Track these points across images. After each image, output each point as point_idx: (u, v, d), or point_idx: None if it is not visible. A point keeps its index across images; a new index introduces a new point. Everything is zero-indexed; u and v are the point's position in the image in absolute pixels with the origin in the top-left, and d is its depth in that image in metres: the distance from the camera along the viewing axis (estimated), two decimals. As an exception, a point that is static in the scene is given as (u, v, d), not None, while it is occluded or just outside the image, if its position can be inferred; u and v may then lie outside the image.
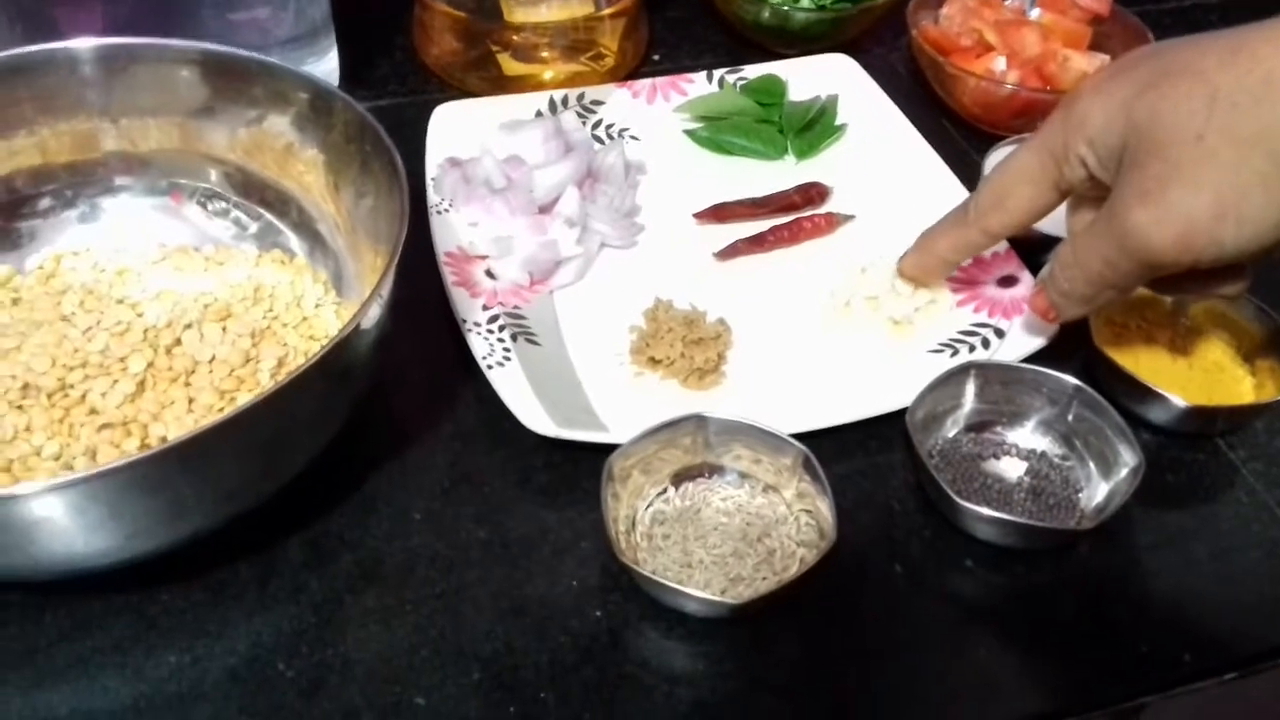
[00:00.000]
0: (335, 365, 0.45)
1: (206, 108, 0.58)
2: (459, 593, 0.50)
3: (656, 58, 0.83)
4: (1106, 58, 0.74)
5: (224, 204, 0.61)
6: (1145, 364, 0.58)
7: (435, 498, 0.54)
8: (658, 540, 0.52)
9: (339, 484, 0.54)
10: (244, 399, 0.51)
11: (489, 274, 0.62)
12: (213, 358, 0.54)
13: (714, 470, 0.54)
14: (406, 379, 0.59)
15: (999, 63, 0.73)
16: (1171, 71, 0.46)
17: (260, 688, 0.46)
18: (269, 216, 0.60)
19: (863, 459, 0.56)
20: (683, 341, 0.58)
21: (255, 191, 0.60)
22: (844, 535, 0.51)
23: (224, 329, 0.55)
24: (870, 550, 0.53)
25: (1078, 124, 0.49)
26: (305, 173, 0.58)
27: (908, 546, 0.53)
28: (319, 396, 0.47)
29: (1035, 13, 0.79)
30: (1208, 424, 0.57)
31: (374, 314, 0.47)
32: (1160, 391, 0.55)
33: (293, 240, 0.60)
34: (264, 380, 0.54)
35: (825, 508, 0.50)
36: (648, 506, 0.53)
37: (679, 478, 0.54)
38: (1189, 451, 0.57)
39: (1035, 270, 0.63)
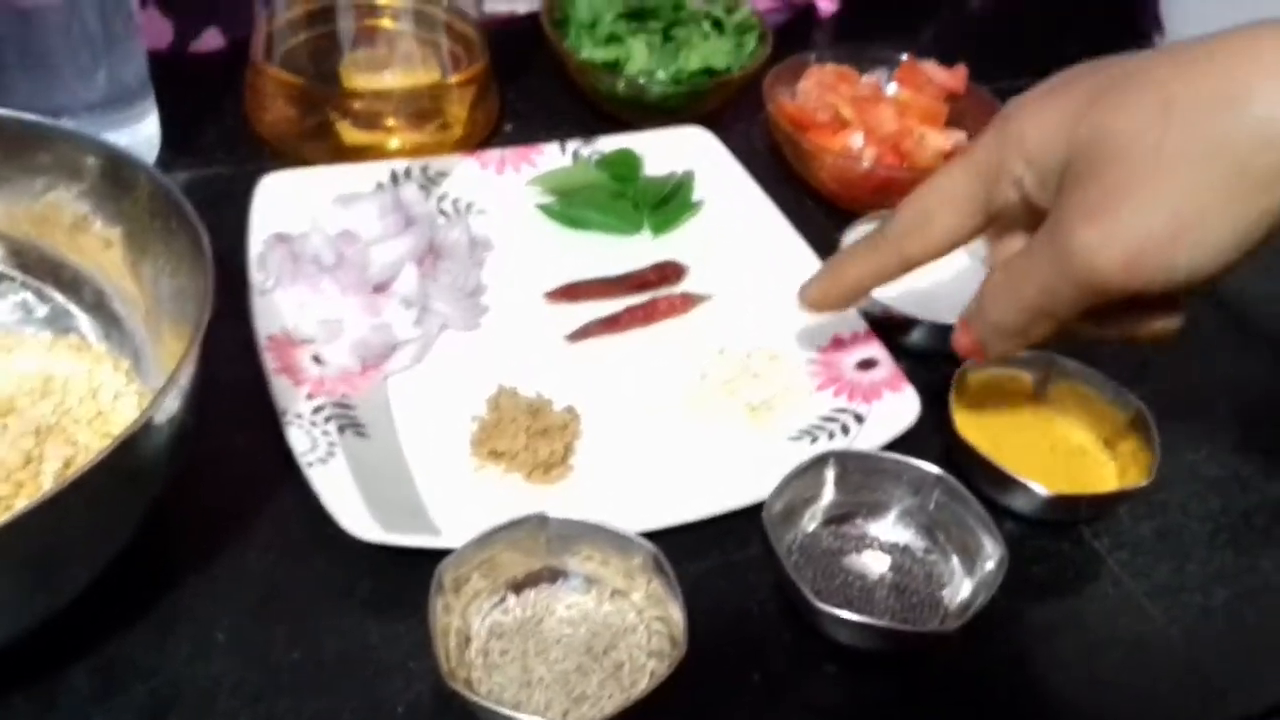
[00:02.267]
0: (123, 466, 0.40)
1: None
2: (266, 726, 0.44)
3: (509, 128, 0.79)
4: (963, 135, 0.74)
5: (8, 283, 0.54)
6: (1007, 450, 0.57)
7: (244, 614, 0.48)
8: (494, 656, 0.47)
9: (133, 600, 0.47)
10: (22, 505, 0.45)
11: (316, 359, 0.57)
12: (-13, 458, 0.47)
13: (557, 574, 0.50)
14: (217, 479, 0.53)
15: (856, 139, 0.72)
16: (1119, 83, 0.42)
17: None
18: (60, 298, 0.54)
19: (718, 556, 0.53)
20: (526, 433, 0.54)
21: (45, 270, 0.54)
22: (698, 643, 0.47)
23: (4, 426, 0.49)
24: (727, 658, 0.49)
25: (1014, 143, 0.44)
26: (101, 250, 0.52)
27: (767, 653, 0.49)
28: (105, 501, 0.41)
29: (892, 87, 0.78)
30: (1071, 512, 0.55)
31: (170, 406, 0.41)
32: (1021, 480, 0.53)
33: (86, 324, 0.54)
34: (46, 484, 0.47)
35: (676, 612, 0.46)
36: (484, 618, 0.48)
37: (519, 584, 0.49)
38: (1053, 541, 0.55)
39: (895, 353, 0.61)
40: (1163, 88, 0.40)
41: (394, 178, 0.68)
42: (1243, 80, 0.39)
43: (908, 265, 0.52)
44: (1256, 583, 0.54)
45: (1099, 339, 0.48)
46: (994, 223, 0.48)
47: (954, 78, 0.77)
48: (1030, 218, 0.46)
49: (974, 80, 0.78)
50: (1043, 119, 0.44)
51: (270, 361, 0.56)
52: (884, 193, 0.70)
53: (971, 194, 0.47)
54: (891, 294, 0.63)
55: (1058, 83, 0.45)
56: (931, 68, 0.78)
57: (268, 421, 0.54)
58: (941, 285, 0.65)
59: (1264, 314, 0.72)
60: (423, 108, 0.74)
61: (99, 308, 0.54)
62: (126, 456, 0.39)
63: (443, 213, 0.68)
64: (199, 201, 0.48)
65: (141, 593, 0.48)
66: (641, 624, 0.48)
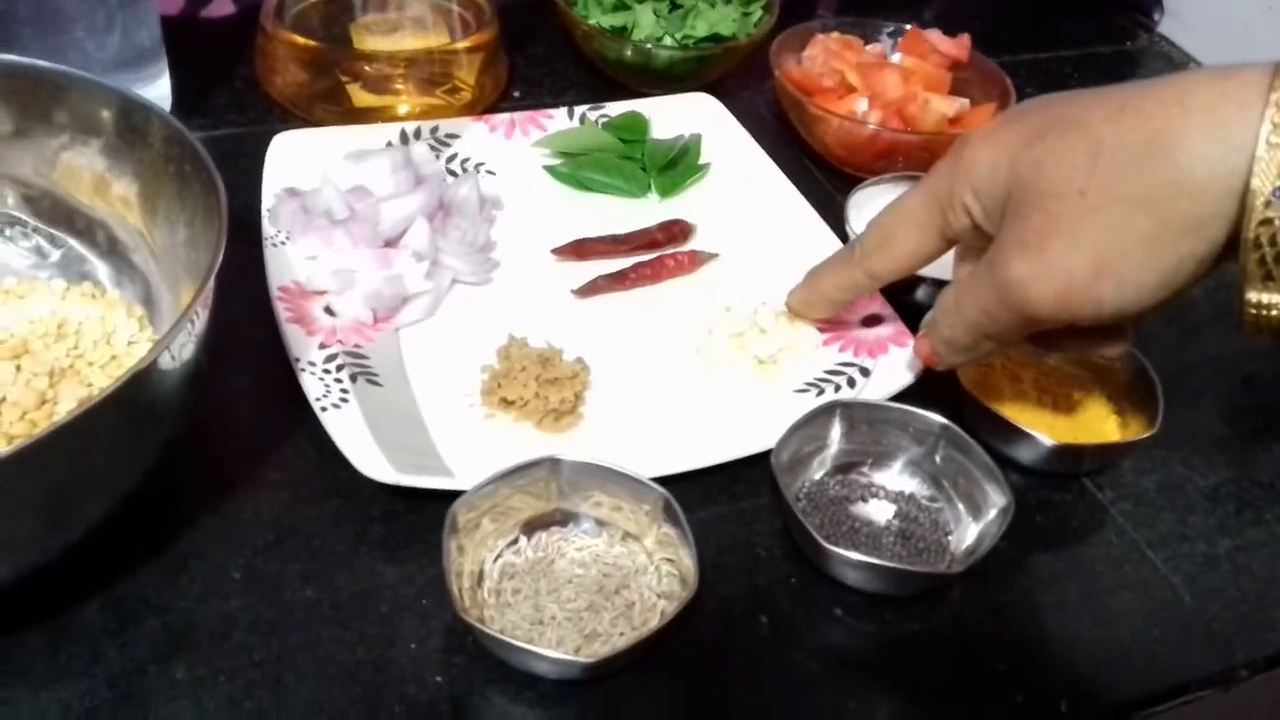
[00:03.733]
0: (133, 403, 0.40)
1: (9, 128, 0.52)
2: (281, 660, 0.45)
3: (517, 94, 0.80)
4: (966, 101, 0.74)
5: (21, 229, 0.55)
6: (1011, 404, 0.57)
7: (257, 553, 0.48)
8: (507, 596, 0.47)
9: (147, 539, 0.48)
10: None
11: (328, 311, 0.58)
12: (2, 399, 0.48)
13: (569, 518, 0.50)
14: (231, 424, 0.54)
15: (861, 104, 0.72)
16: (1058, 124, 0.44)
17: (42, 776, 0.40)
18: (75, 245, 0.55)
19: (727, 504, 0.53)
20: (537, 381, 0.55)
21: (60, 217, 0.54)
22: (708, 585, 0.48)
23: (17, 368, 0.49)
24: (735, 600, 0.49)
25: (964, 172, 0.47)
26: (117, 199, 0.53)
27: (774, 595, 0.50)
28: (115, 439, 0.41)
29: (896, 57, 0.79)
30: (1074, 463, 0.56)
31: (181, 345, 0.42)
32: (1026, 430, 0.54)
33: (101, 271, 0.55)
34: (62, 425, 0.48)
35: (687, 556, 0.47)
36: (496, 559, 0.49)
37: (531, 527, 0.50)
38: (1057, 492, 0.56)
39: (901, 310, 0.61)
40: (1093, 133, 0.42)
41: (404, 137, 0.69)
42: (1167, 131, 0.40)
43: (875, 281, 0.54)
44: (1261, 535, 0.55)
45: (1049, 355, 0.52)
46: (953, 244, 0.51)
47: (958, 47, 0.78)
48: (983, 241, 0.48)
49: (978, 50, 0.79)
50: (990, 153, 0.46)
51: (283, 311, 0.56)
52: (888, 156, 0.71)
53: (929, 219, 0.50)
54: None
55: (1009, 116, 0.47)
56: (936, 37, 0.79)
57: (281, 370, 0.55)
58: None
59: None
60: (432, 72, 0.75)
61: (113, 255, 0.54)
62: (137, 392, 0.40)
63: (452, 172, 0.69)
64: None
65: (155, 532, 0.48)
66: (652, 565, 0.49)
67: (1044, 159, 0.43)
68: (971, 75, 0.78)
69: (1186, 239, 0.41)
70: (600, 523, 0.50)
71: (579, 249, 0.65)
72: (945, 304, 0.50)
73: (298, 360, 0.54)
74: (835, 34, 0.79)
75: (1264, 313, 0.40)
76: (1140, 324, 0.47)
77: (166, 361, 0.41)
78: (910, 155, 0.71)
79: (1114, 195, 0.41)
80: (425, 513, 0.50)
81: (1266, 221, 0.38)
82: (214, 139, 0.71)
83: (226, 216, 0.45)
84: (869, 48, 0.79)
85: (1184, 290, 0.43)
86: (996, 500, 0.51)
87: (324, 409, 0.51)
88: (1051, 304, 0.44)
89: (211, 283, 0.43)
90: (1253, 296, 0.40)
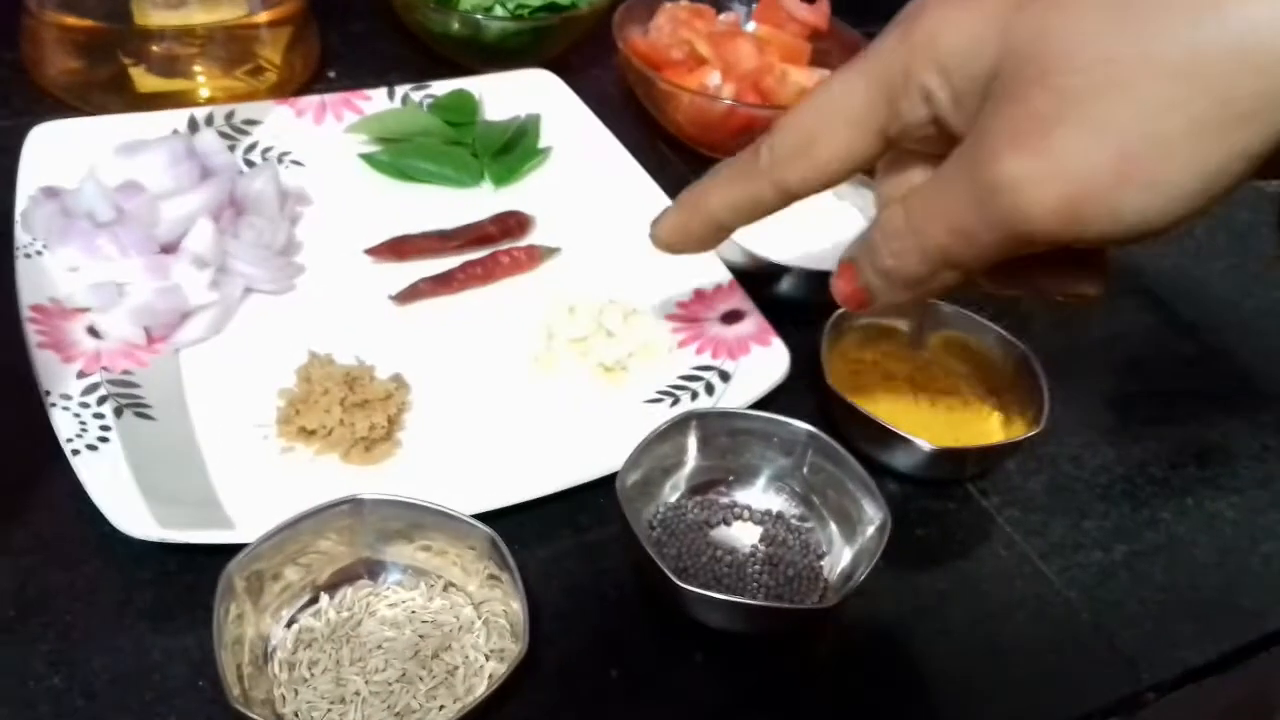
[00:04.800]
0: None
1: None
2: (13, 772, 0.36)
3: (332, 74, 0.71)
4: (827, 73, 0.68)
5: None
6: (885, 406, 0.52)
7: (-8, 636, 0.40)
8: (302, 669, 0.39)
9: None
10: None
11: (92, 331, 0.49)
12: None
13: (378, 569, 0.42)
14: (-35, 473, 0.44)
15: (713, 77, 0.66)
16: None
17: None
18: None
19: (570, 537, 0.46)
20: (342, 405, 0.47)
21: None
22: (546, 638, 0.41)
23: None
24: (580, 654, 0.42)
25: (924, 45, 0.34)
26: None
27: (625, 643, 0.43)
28: None
29: (750, 26, 0.73)
30: (956, 467, 0.50)
31: None
32: (902, 434, 0.48)
33: None
34: None
35: (516, 602, 0.40)
36: (289, 624, 0.41)
37: (333, 583, 0.42)
38: (939, 500, 0.50)
39: (762, 305, 0.55)
40: None
41: (192, 124, 0.60)
42: None
43: (785, 197, 0.41)
44: (1159, 537, 0.50)
45: (1000, 295, 0.40)
46: (893, 146, 0.38)
47: (816, 14, 0.72)
48: (939, 143, 0.36)
49: (838, 17, 0.73)
50: (961, 17, 0.34)
51: (34, 335, 0.47)
52: (745, 134, 0.65)
53: (868, 111, 0.36)
54: (756, 240, 0.57)
55: None
56: (793, 4, 0.73)
57: (33, 405, 0.45)
58: (811, 229, 0.60)
59: (1150, 259, 0.68)
60: (230, 50, 0.66)
61: None
62: None
63: (250, 163, 0.60)
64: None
65: None
66: (479, 620, 0.41)
67: (1048, 20, 0.32)
68: (832, 45, 0.72)
69: (1244, 128, 0.30)
70: (418, 572, 0.42)
71: (398, 248, 0.57)
72: (889, 224, 0.37)
73: (48, 394, 0.45)
74: (684, 1, 0.72)
75: None
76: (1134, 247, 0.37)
77: None
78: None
79: (1152, 65, 0.30)
80: (205, 572, 0.41)
81: None
82: (-34, 135, 0.61)
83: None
84: (721, 16, 0.73)
85: (1220, 200, 0.32)
86: (872, 515, 0.45)
87: (76, 451, 0.43)
88: (1055, 215, 0.32)
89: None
90: None
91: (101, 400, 0.46)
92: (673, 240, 0.44)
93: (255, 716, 0.35)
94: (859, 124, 0.37)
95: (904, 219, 0.36)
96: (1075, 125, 0.31)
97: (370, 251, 0.56)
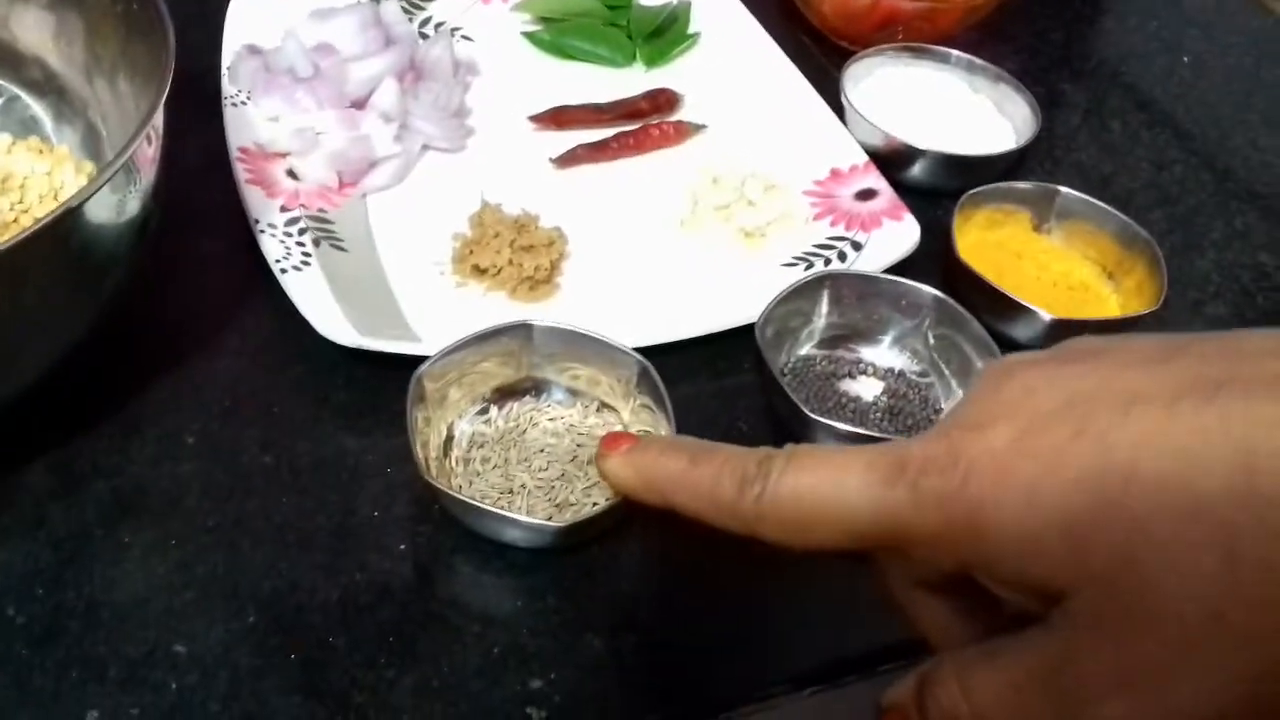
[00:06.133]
0: (67, 243, 0.37)
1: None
2: (236, 525, 0.43)
3: (496, -40, 0.75)
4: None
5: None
6: (1008, 281, 0.55)
7: (213, 419, 0.46)
8: (475, 464, 0.45)
9: (98, 403, 0.46)
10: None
11: (291, 174, 0.54)
12: (-60, 250, 0.45)
13: (541, 387, 0.48)
14: (188, 288, 0.51)
15: (860, -29, 0.68)
16: (1152, 497, 0.25)
17: (-19, 637, 0.38)
18: (19, 92, 0.51)
19: (708, 380, 0.51)
20: (511, 247, 0.52)
21: (6, 64, 0.51)
22: (686, 458, 0.46)
23: (-43, 220, 0.46)
24: (715, 475, 0.47)
25: (965, 528, 0.27)
26: (65, 43, 0.49)
27: (756, 471, 0.48)
28: (52, 280, 0.38)
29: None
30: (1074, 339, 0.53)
31: (124, 188, 0.39)
32: (1024, 304, 0.51)
33: (48, 124, 0.51)
34: (4, 280, 0.45)
35: (665, 428, 0.44)
36: (465, 428, 0.46)
37: (501, 396, 0.47)
38: (1053, 371, 0.53)
39: (895, 185, 0.58)
40: (1220, 519, 0.25)
41: (374, -3, 0.65)
42: None
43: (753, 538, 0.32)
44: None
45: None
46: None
47: (965, -85, 0.73)
48: (969, 589, 0.29)
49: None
50: (1018, 515, 0.26)
51: (242, 172, 0.53)
52: (887, 26, 0.67)
53: (877, 538, 0.29)
54: (892, 123, 0.60)
55: (1035, 441, 0.26)
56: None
57: (242, 234, 0.52)
58: (946, 115, 0.63)
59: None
60: (406, -68, 0.70)
61: (62, 106, 0.51)
62: (73, 230, 0.37)
63: (425, 35, 0.65)
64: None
65: (106, 397, 0.46)
66: (628, 437, 0.47)
67: (1143, 558, 0.26)
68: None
69: None
70: (574, 393, 0.48)
71: (558, 117, 0.61)
72: (943, 694, 0.30)
73: (257, 222, 0.51)
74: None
75: None
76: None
77: (104, 202, 0.38)
78: (910, 26, 0.67)
79: (1263, 616, 0.25)
80: (390, 381, 0.47)
81: None
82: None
83: (173, 52, 0.42)
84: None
85: None
86: (990, 376, 0.48)
87: (284, 271, 0.49)
88: None
89: (159, 121, 0.40)
90: None
91: (302, 231, 0.52)
92: (617, 477, 0.36)
93: (445, 488, 0.41)
94: (863, 540, 0.30)
95: (959, 692, 0.30)
96: (1191, 680, 0.27)
97: (533, 119, 0.61)
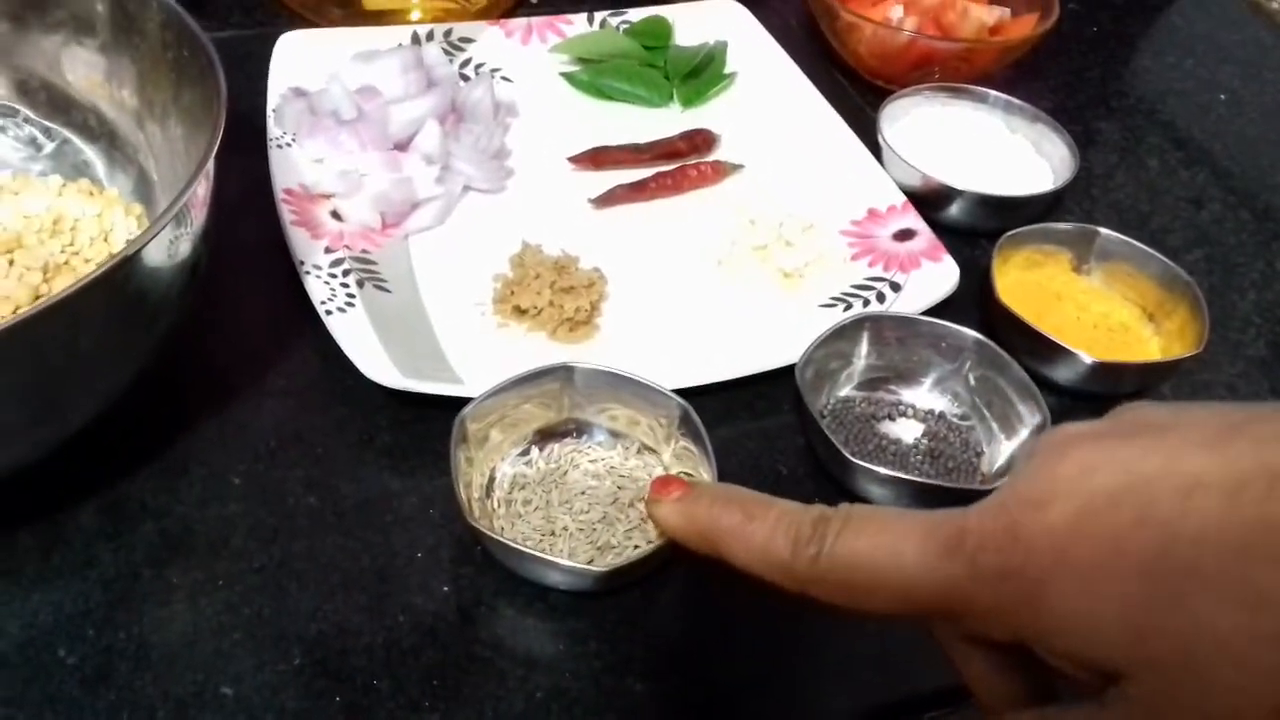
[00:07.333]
0: (123, 289, 0.38)
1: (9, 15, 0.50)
2: (282, 566, 0.43)
3: (534, 1, 0.76)
4: (1007, 11, 0.71)
5: (13, 120, 0.52)
6: (1048, 323, 0.54)
7: (259, 459, 0.47)
8: (517, 506, 0.45)
9: (146, 443, 0.46)
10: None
11: (335, 215, 0.55)
12: (-6, 294, 0.46)
13: (582, 429, 0.48)
14: (234, 329, 0.52)
15: (896, 10, 0.69)
16: (1214, 593, 0.25)
17: (34, 676, 0.39)
18: (71, 136, 0.52)
19: (748, 421, 0.51)
20: (551, 288, 0.52)
21: (58, 108, 0.52)
22: (726, 501, 0.46)
23: (10, 262, 0.47)
24: (755, 518, 0.47)
25: (1027, 608, 0.27)
26: (116, 86, 0.50)
27: (796, 514, 0.48)
28: (106, 325, 0.39)
29: (933, -37, 0.75)
30: (1115, 382, 0.53)
31: (176, 234, 0.40)
32: (1066, 347, 0.51)
33: (99, 167, 0.52)
34: (56, 321, 0.46)
35: (706, 471, 0.44)
36: (506, 470, 0.47)
37: (542, 437, 0.48)
38: (1096, 414, 0.53)
39: (932, 225, 0.58)
40: (1270, 601, 0.24)
41: (416, 40, 0.66)
42: None
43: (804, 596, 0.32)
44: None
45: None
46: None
47: (999, -47, 0.74)
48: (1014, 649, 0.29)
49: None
50: (1080, 604, 0.26)
51: (288, 214, 0.54)
52: (923, 67, 0.68)
53: (933, 609, 0.29)
54: (930, 163, 0.60)
55: (1103, 537, 0.26)
56: (976, -57, 0.75)
57: (286, 275, 0.53)
58: (984, 155, 0.63)
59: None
60: (446, -26, 0.72)
61: (112, 150, 0.52)
62: (128, 277, 0.38)
63: (465, 77, 0.66)
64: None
65: (154, 437, 0.46)
66: (668, 479, 0.47)
67: (1204, 650, 0.25)
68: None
69: None
70: (615, 434, 0.48)
71: (597, 157, 0.62)
72: None
73: (302, 263, 0.52)
74: (869, -61, 0.75)
75: None
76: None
77: (159, 247, 0.38)
78: (946, 66, 0.67)
79: None
80: (433, 422, 0.48)
81: None
82: (219, 41, 0.67)
83: (225, 99, 0.43)
84: (904, -46, 0.75)
85: None
86: (1031, 418, 0.48)
87: (329, 312, 0.49)
88: None
89: (210, 167, 0.41)
90: None
91: (346, 273, 0.52)
92: (668, 524, 0.36)
93: (488, 530, 0.41)
94: (917, 609, 0.30)
95: None
96: None
97: (572, 159, 0.62)
